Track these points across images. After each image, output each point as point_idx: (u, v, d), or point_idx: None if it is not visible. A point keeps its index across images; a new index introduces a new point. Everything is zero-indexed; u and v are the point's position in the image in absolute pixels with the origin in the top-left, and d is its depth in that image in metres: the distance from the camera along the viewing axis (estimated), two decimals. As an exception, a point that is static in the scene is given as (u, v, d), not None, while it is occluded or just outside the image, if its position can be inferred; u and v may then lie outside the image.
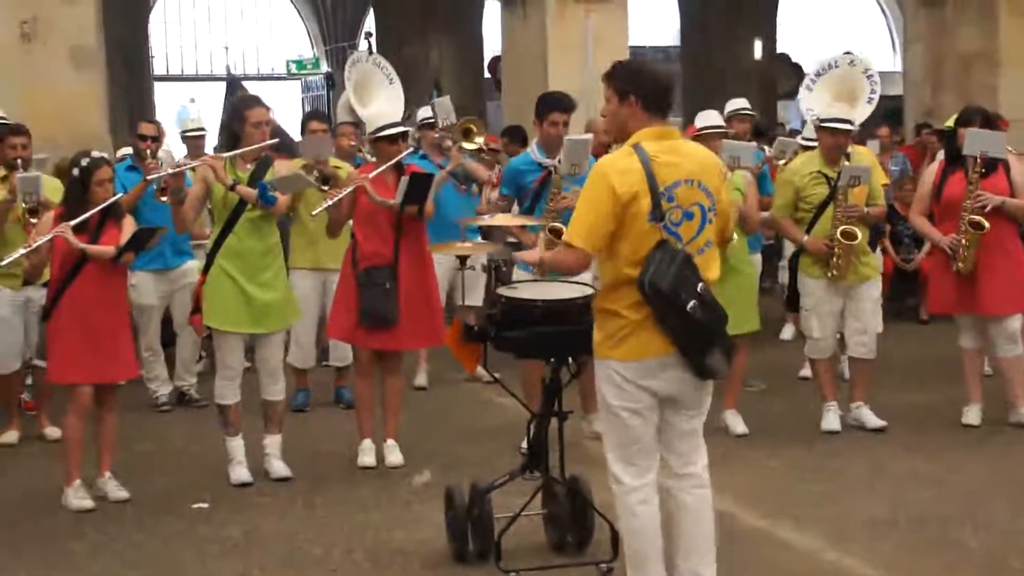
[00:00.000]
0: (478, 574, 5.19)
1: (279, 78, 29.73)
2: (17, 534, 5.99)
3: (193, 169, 7.34)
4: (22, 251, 6.33)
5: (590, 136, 7.56)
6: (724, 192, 4.56)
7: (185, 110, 27.67)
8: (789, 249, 8.44)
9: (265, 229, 6.67)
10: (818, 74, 8.31)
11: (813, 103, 8.12)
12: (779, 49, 23.92)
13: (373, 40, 22.29)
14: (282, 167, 6.82)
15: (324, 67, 29.04)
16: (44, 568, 5.51)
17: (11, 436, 7.65)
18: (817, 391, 7.54)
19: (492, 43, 24.55)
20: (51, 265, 6.39)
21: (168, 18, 30.35)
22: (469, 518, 5.28)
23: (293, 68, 28.25)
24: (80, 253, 6.28)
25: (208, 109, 24.86)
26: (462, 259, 6.01)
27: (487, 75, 22.15)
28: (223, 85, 30.84)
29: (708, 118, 7.96)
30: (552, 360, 5.05)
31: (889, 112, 13.39)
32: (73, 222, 6.28)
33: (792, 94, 26.61)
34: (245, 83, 31.17)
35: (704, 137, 7.40)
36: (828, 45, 30.95)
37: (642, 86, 4.41)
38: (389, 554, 5.51)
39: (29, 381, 8.35)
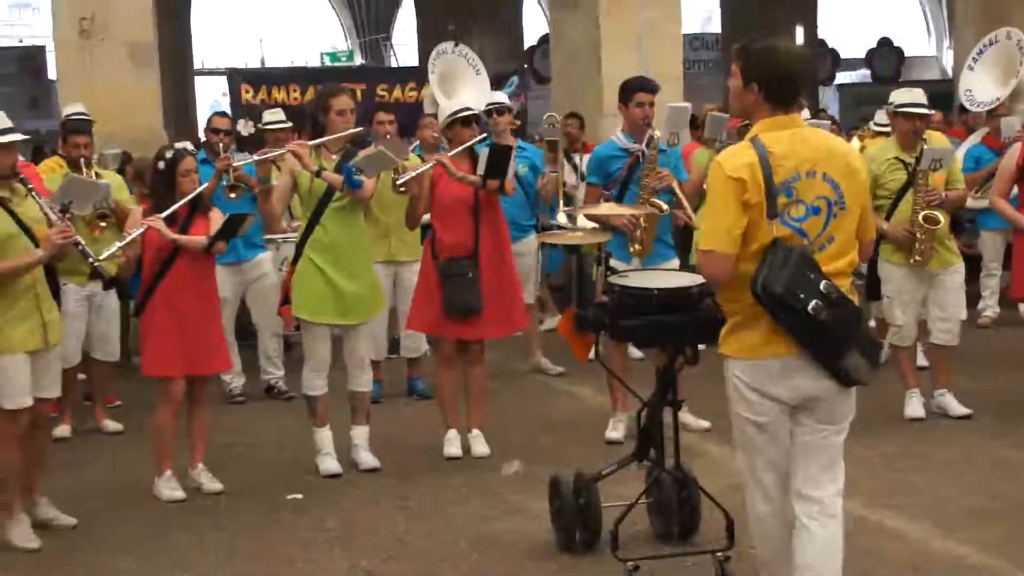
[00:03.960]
0: (587, 564, 5.19)
1: (313, 70, 29.73)
2: (119, 525, 6.02)
3: (274, 162, 7.41)
4: (119, 245, 6.35)
5: (689, 104, 7.50)
6: (857, 183, 4.20)
7: (219, 104, 27.77)
8: None
9: (352, 220, 6.68)
10: (980, 52, 8.22)
11: (973, 83, 8.00)
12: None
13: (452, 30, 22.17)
14: (365, 151, 6.83)
15: (357, 59, 29.08)
16: (152, 559, 5.54)
17: (64, 430, 7.69)
18: (899, 379, 7.49)
19: (530, 34, 24.52)
20: (142, 259, 6.41)
21: (203, 12, 30.41)
22: (576, 508, 5.28)
23: (327, 60, 28.24)
24: (172, 246, 6.31)
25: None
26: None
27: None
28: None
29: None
30: (669, 348, 5.02)
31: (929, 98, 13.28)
32: (163, 214, 6.32)
33: (829, 80, 26.57)
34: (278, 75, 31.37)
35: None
36: (864, 30, 30.87)
37: (765, 74, 4.13)
38: (493, 545, 5.51)
39: (83, 376, 8.41)
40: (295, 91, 12.61)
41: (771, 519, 4.19)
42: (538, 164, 9.24)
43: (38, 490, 6.06)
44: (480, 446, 6.97)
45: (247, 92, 17.00)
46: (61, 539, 5.85)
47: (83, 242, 5.69)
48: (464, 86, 8.11)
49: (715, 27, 27.33)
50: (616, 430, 7.10)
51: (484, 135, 7.41)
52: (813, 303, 3.96)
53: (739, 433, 4.21)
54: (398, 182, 6.86)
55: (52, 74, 17.61)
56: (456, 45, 8.59)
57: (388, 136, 8.13)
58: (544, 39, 20.67)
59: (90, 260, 5.70)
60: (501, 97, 9.15)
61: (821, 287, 3.99)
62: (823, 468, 4.13)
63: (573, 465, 5.59)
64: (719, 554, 4.87)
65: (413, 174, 6.81)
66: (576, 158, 10.18)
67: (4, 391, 5.67)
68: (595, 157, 7.28)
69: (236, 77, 14.20)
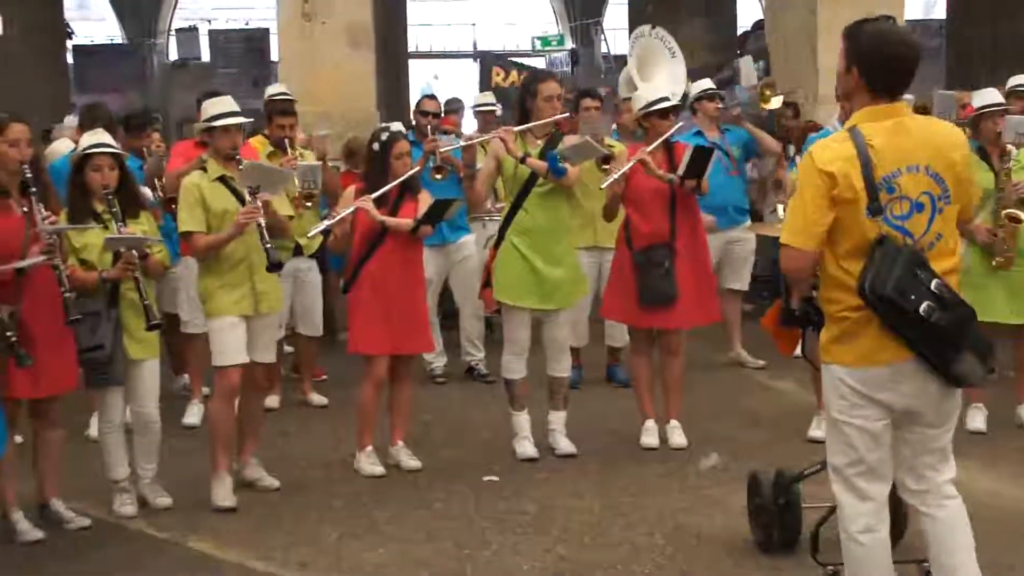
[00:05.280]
0: (786, 565, 5.05)
1: (524, 54, 29.91)
2: (321, 496, 6.19)
3: (483, 145, 7.47)
4: (327, 223, 6.53)
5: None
6: (965, 172, 3.96)
7: (428, 87, 28.23)
8: None
9: (555, 205, 6.69)
10: None
11: None
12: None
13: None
14: (570, 138, 6.82)
15: (568, 43, 29.10)
16: (351, 532, 5.66)
17: (273, 401, 7.95)
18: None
19: (744, 20, 24.08)
20: (352, 239, 6.56)
21: (417, -5, 30.97)
22: (775, 507, 5.15)
23: (538, 45, 28.37)
24: (380, 227, 6.43)
25: (453, 86, 25.30)
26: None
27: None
28: (468, 62, 31.45)
29: (987, 96, 7.52)
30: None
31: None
32: (374, 195, 6.45)
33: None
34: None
35: (984, 116, 7.02)
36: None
37: (867, 58, 3.85)
38: (690, 539, 5.43)
39: (290, 349, 8.68)
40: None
41: (865, 535, 4.00)
42: (751, 145, 9.07)
43: (249, 451, 6.34)
44: (678, 437, 6.90)
45: (498, 75, 17.20)
46: (265, 505, 6.07)
47: (263, 224, 5.86)
48: (659, 70, 8.00)
49: (939, 13, 26.23)
50: (820, 428, 6.83)
51: (681, 125, 7.31)
52: (925, 304, 3.75)
53: (838, 437, 3.98)
54: (602, 186, 6.84)
55: (275, 55, 18.23)
56: (653, 28, 8.47)
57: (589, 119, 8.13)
58: (758, 25, 20.24)
59: (264, 244, 5.87)
60: (707, 83, 9.02)
61: (932, 287, 3.77)
62: (931, 466, 3.99)
63: (773, 462, 5.48)
64: (924, 564, 4.66)
65: (615, 177, 6.75)
66: (791, 149, 9.94)
67: (218, 350, 6.04)
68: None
69: (488, 60, 14.36)
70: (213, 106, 6.12)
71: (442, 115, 8.90)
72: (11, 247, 5.42)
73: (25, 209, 5.48)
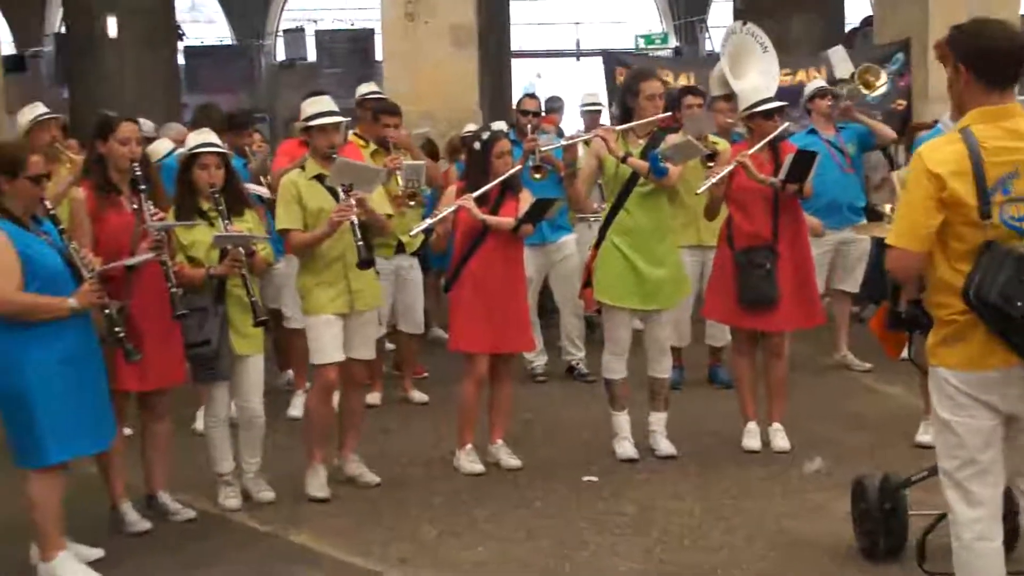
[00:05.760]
0: (891, 572, 4.95)
1: (627, 53, 29.80)
2: (420, 493, 6.23)
3: (587, 142, 7.44)
4: (428, 222, 6.56)
5: None
6: None
7: (531, 86, 28.23)
8: None
9: (657, 205, 6.63)
10: None
11: None
12: None
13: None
14: (672, 138, 6.76)
15: (672, 42, 28.90)
16: (450, 529, 5.68)
17: (375, 397, 8.01)
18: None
19: (852, 17, 23.65)
20: (453, 237, 6.58)
21: (519, -6, 31.00)
22: (881, 513, 5.04)
23: (641, 43, 28.22)
24: (481, 225, 6.44)
25: (556, 85, 25.28)
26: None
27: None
28: (571, 61, 31.42)
29: None
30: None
31: None
32: (475, 194, 6.46)
33: None
34: (591, 58, 31.59)
35: None
36: None
37: (972, 52, 3.76)
38: (792, 544, 5.34)
39: (391, 346, 8.74)
40: (667, 75, 12.61)
41: (979, 543, 3.88)
42: (867, 140, 8.90)
43: (350, 447, 6.41)
44: (781, 440, 6.79)
45: (621, 75, 17.13)
46: (365, 501, 6.13)
47: (356, 222, 5.90)
48: (752, 67, 7.86)
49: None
50: (927, 433, 6.69)
51: (787, 125, 7.19)
52: None
53: (947, 439, 3.87)
54: (698, 191, 6.77)
55: (380, 55, 18.43)
56: (744, 24, 8.35)
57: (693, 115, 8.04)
58: (867, 21, 19.87)
59: (356, 241, 5.91)
60: (819, 81, 8.87)
61: None
62: None
63: (879, 468, 5.36)
64: (1038, 576, 4.53)
65: (713, 181, 6.67)
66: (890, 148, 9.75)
67: (315, 347, 6.11)
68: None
69: (611, 59, 14.25)
70: (311, 106, 6.18)
71: (542, 114, 8.88)
72: (121, 243, 5.54)
73: (135, 206, 5.60)
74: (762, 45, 8.11)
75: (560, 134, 9.55)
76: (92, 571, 5.12)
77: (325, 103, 6.19)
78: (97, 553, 5.33)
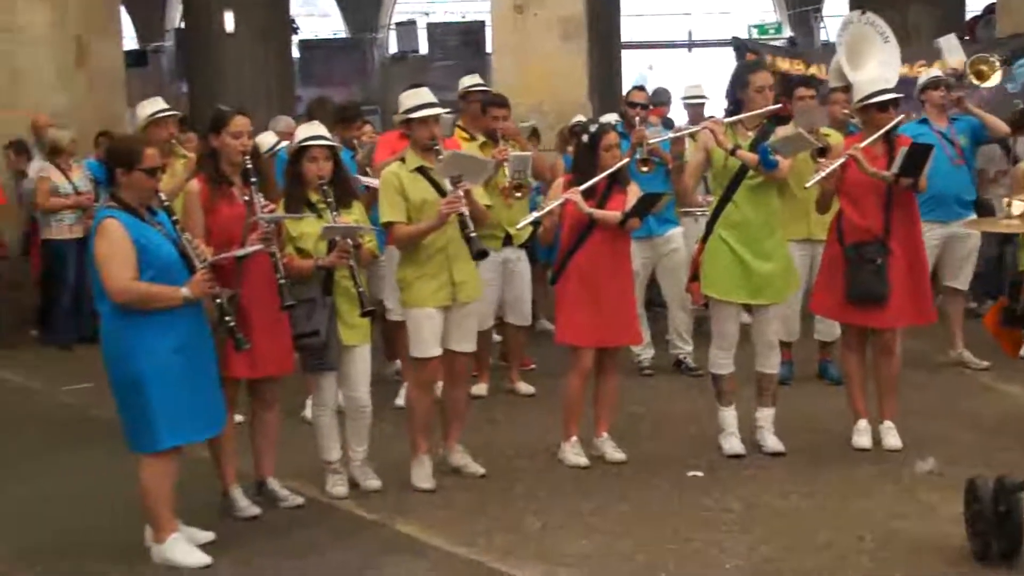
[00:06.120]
0: (1005, 576, 4.82)
1: (755, 41, 29.40)
2: (525, 485, 6.24)
3: (694, 135, 7.37)
4: (536, 215, 6.56)
5: None
6: None
7: (643, 77, 28.04)
8: None
9: (766, 198, 6.54)
10: None
11: None
12: None
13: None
14: (783, 130, 6.65)
15: (786, 32, 28.46)
16: (555, 521, 5.68)
17: (481, 388, 8.04)
18: None
19: (973, 4, 23.02)
20: (560, 230, 6.57)
21: (632, -14, 30.79)
22: (995, 516, 4.90)
23: (755, 33, 27.85)
24: (588, 219, 6.42)
25: (667, 76, 25.08)
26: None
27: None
28: (683, 52, 31.14)
29: None
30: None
31: None
32: (582, 187, 6.44)
33: None
34: (703, 49, 31.26)
35: None
36: None
37: None
38: (901, 545, 5.22)
39: (498, 338, 8.77)
40: (797, 64, 12.41)
41: None
42: (979, 133, 8.67)
43: (454, 438, 6.45)
44: (892, 438, 6.65)
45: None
46: (470, 491, 6.16)
47: (467, 213, 5.91)
48: (872, 57, 7.67)
49: None
50: (1047, 435, 6.55)
51: (901, 117, 7.03)
52: None
53: None
54: (806, 185, 6.66)
55: (490, 48, 18.49)
56: (863, 13, 8.15)
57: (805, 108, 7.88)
58: (989, 9, 19.32)
59: (469, 233, 5.92)
60: (934, 71, 8.66)
61: None
62: None
63: (995, 469, 5.21)
64: None
65: (823, 174, 6.55)
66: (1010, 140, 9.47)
67: (415, 341, 6.14)
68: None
69: (741, 46, 14.14)
70: (410, 98, 6.20)
71: (650, 107, 8.81)
72: (232, 234, 5.65)
73: (246, 198, 5.70)
74: (882, 35, 7.93)
75: (668, 126, 9.47)
76: (203, 553, 5.23)
77: (424, 95, 6.21)
78: (208, 536, 5.45)
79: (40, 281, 10.93)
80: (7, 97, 12.36)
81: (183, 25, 20.65)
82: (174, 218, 5.29)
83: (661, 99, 10.43)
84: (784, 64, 15.06)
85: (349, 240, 5.79)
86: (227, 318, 5.30)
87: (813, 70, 10.28)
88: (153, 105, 7.72)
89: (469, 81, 8.51)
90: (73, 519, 5.95)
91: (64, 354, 10.35)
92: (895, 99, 6.81)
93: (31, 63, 12.36)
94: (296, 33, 22.12)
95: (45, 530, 5.81)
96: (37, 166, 10.64)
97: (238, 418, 6.13)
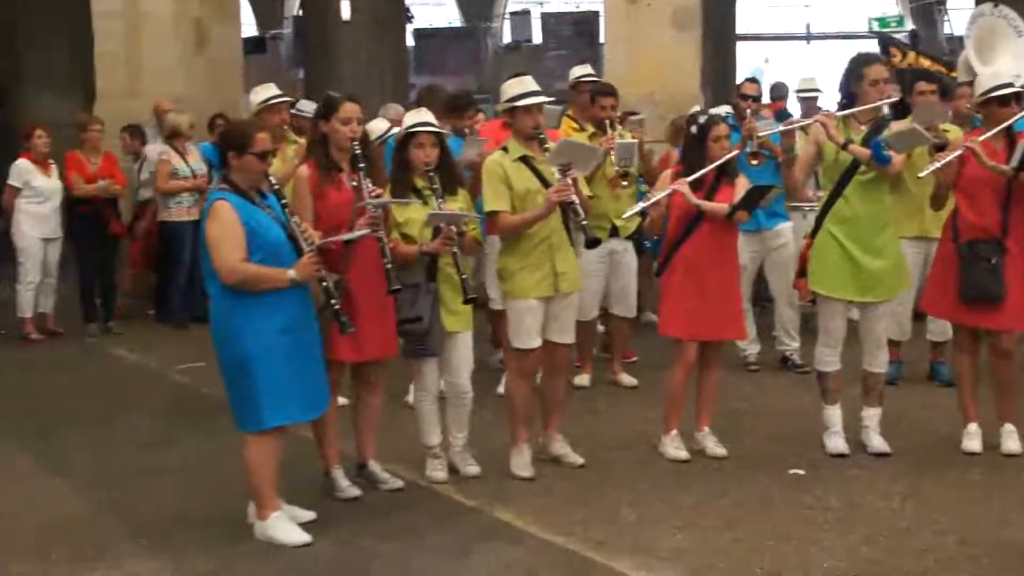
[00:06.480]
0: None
1: (859, 37, 28.88)
2: (624, 476, 6.23)
3: (804, 128, 7.26)
4: (642, 205, 6.53)
5: None
6: None
7: (759, 70, 27.65)
8: None
9: (877, 194, 6.42)
10: None
11: None
12: None
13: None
14: (897, 125, 6.52)
15: (908, 25, 27.87)
16: (653, 514, 5.66)
17: (584, 379, 8.04)
18: None
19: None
20: (667, 221, 6.53)
21: (748, -23, 30.40)
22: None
23: (875, 26, 27.31)
24: (696, 211, 6.37)
25: (783, 70, 24.71)
26: None
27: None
28: (800, 44, 30.67)
29: None
30: None
31: None
32: (690, 178, 6.39)
33: None
34: (821, 42, 30.73)
35: None
36: None
37: None
38: (1012, 555, 5.09)
39: (601, 328, 8.74)
40: (938, 66, 12.20)
41: None
42: None
43: (554, 427, 6.47)
44: (1011, 442, 6.46)
45: (895, 56, 16.66)
46: (569, 481, 6.17)
47: (577, 202, 5.90)
48: (1003, 52, 7.46)
49: None
50: None
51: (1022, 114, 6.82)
52: None
53: None
54: (920, 175, 6.51)
55: (604, 38, 18.45)
56: (996, 6, 7.91)
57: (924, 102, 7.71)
58: None
59: (580, 219, 5.90)
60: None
61: None
62: None
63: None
64: None
65: (938, 165, 6.40)
66: None
67: (516, 332, 6.16)
68: None
69: (884, 40, 13.92)
70: (513, 86, 6.17)
71: (761, 99, 8.69)
72: (341, 219, 5.72)
73: (354, 184, 5.77)
74: (1016, 29, 7.74)
75: (780, 119, 9.34)
76: (303, 532, 5.33)
77: (528, 83, 6.18)
78: (309, 515, 5.54)
79: (157, 262, 11.22)
80: (130, 82, 12.71)
81: (301, 12, 20.98)
82: (283, 201, 5.38)
83: (779, 93, 10.29)
84: (926, 63, 14.75)
85: (454, 227, 5.83)
86: (333, 301, 5.38)
87: (955, 74, 10.02)
88: (266, 91, 7.85)
89: (580, 71, 8.50)
90: (181, 494, 6.10)
91: (178, 333, 10.62)
92: (1017, 93, 6.62)
93: (153, 48, 12.69)
94: (411, 22, 22.31)
95: (153, 504, 5.97)
96: (156, 149, 10.91)
97: (342, 401, 6.22)
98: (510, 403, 6.30)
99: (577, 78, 8.38)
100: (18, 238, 10.35)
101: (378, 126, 7.92)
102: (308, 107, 8.02)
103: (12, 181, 10.34)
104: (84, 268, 10.65)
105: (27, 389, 8.66)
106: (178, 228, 10.72)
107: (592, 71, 8.65)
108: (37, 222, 10.32)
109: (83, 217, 10.54)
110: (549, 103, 6.33)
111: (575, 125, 8.07)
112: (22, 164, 10.37)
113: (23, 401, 8.31)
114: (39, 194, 10.30)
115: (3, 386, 8.72)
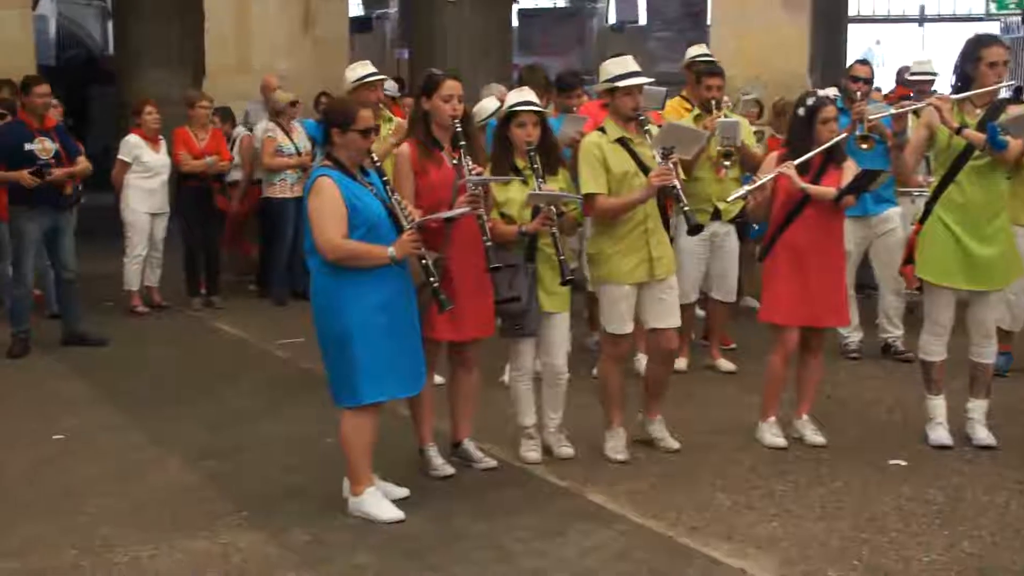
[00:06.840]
0: None
1: (976, 19, 28.11)
2: (718, 462, 6.16)
3: (916, 112, 7.08)
4: (746, 188, 6.42)
5: None
6: None
7: (869, 52, 27.04)
8: None
9: (991, 180, 6.24)
10: None
11: None
12: None
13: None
14: (1015, 109, 6.31)
15: (1029, 7, 26.97)
16: (747, 501, 5.60)
17: (681, 363, 7.94)
18: None
19: None
20: (772, 205, 6.41)
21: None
22: None
23: (992, 8, 26.50)
24: (801, 194, 6.26)
25: (895, 52, 24.15)
26: None
27: None
28: (912, 27, 29.92)
29: None
30: None
31: None
32: (796, 161, 6.27)
33: None
34: (935, 25, 29.95)
35: None
36: None
37: None
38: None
39: (701, 313, 8.65)
40: None
41: None
42: None
43: (655, 411, 6.41)
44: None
45: None
46: (664, 465, 6.14)
47: (679, 186, 5.81)
48: None
49: None
50: None
51: None
52: None
53: None
54: None
55: (711, 19, 18.24)
56: None
57: None
58: None
59: (681, 205, 5.82)
60: None
61: None
62: None
63: None
64: None
65: None
66: None
67: (609, 317, 6.11)
68: None
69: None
70: (614, 66, 6.08)
71: (872, 81, 8.49)
72: (442, 197, 5.73)
73: (455, 162, 5.77)
74: None
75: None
76: (396, 508, 5.36)
77: (629, 63, 6.09)
78: (403, 492, 5.58)
79: (258, 238, 11.38)
80: (239, 59, 12.90)
81: (407, -8, 21.08)
82: (385, 179, 5.41)
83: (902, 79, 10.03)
84: None
85: (553, 208, 5.80)
86: (432, 279, 5.38)
87: None
88: (363, 68, 7.87)
89: (695, 51, 8.41)
90: (279, 467, 6.18)
91: (279, 309, 10.77)
92: None
93: (262, 26, 12.85)
94: (516, 2, 22.27)
95: (254, 477, 6.06)
96: (263, 126, 11.05)
97: (438, 379, 6.23)
98: (604, 387, 6.26)
99: (692, 58, 8.28)
100: (126, 212, 10.56)
101: (490, 105, 7.90)
102: (392, 87, 8.03)
103: (122, 156, 10.55)
104: (189, 243, 10.85)
105: (135, 361, 8.86)
106: (281, 204, 10.85)
107: (708, 51, 8.54)
108: (145, 197, 10.52)
109: (190, 192, 10.73)
110: (649, 84, 6.23)
111: (688, 105, 7.99)
112: (132, 139, 10.58)
113: (132, 373, 8.50)
114: (148, 169, 10.50)
115: (112, 358, 8.93)
